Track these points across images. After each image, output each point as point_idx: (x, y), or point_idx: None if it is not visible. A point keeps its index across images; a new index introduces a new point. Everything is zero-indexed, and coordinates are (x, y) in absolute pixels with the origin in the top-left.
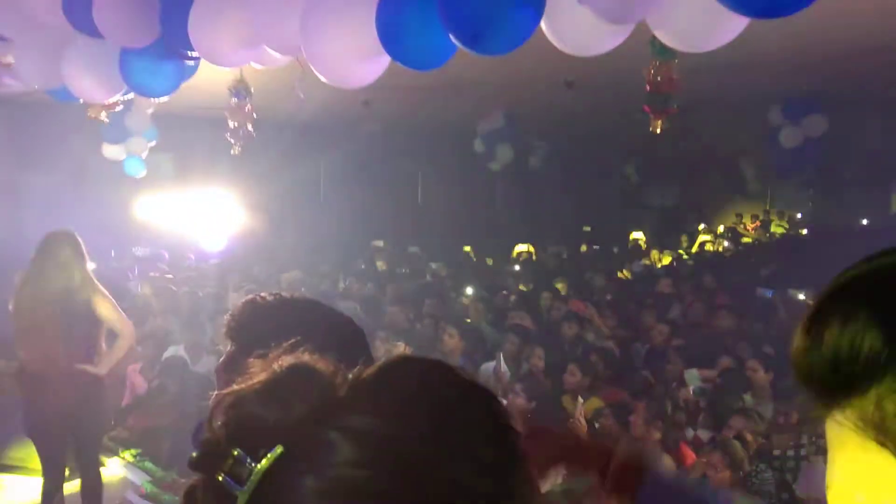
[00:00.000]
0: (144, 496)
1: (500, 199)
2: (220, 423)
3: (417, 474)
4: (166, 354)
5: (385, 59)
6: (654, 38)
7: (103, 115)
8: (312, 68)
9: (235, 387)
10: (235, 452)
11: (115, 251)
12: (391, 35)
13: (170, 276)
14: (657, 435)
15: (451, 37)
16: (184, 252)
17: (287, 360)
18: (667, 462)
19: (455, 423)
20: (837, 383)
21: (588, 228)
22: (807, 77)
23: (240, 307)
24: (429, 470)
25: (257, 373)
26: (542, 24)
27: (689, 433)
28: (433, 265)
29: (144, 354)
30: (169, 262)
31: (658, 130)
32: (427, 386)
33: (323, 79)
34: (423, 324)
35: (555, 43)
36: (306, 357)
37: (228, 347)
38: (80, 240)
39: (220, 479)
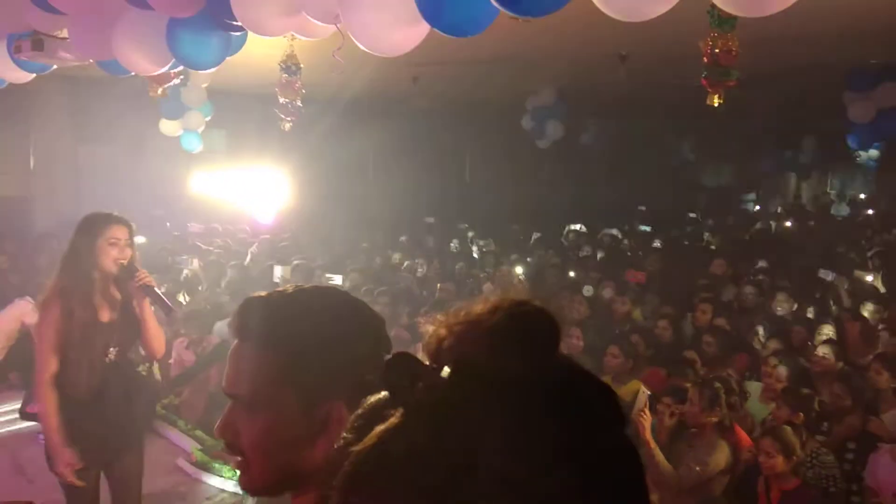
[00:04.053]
0: (195, 463)
1: (549, 178)
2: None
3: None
4: (215, 330)
5: (424, 27)
6: (712, 7)
7: (160, 91)
8: (351, 36)
9: (450, 323)
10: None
11: (171, 223)
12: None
13: (219, 250)
14: (713, 419)
15: None
16: (237, 226)
17: (511, 300)
18: (722, 446)
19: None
20: None
21: (643, 208)
22: (873, 46)
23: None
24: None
25: (472, 310)
26: None
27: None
28: (481, 242)
29: (190, 329)
30: (222, 235)
31: (715, 104)
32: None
33: (362, 46)
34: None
35: (601, 7)
36: (530, 300)
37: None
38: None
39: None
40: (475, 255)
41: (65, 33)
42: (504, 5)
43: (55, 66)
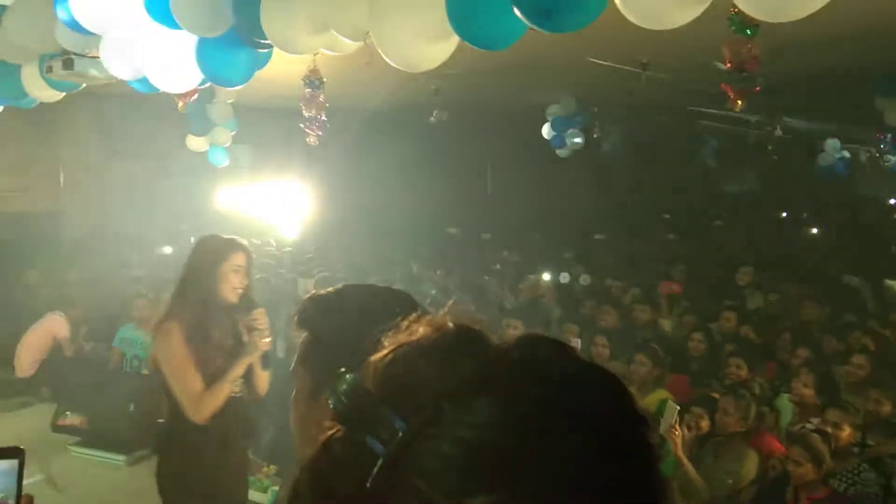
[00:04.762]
0: None
1: (572, 186)
2: (373, 375)
3: (569, 457)
4: None
5: (453, 40)
6: (734, 13)
7: (180, 106)
8: (381, 52)
9: (394, 341)
10: (383, 409)
11: (195, 238)
12: (460, 14)
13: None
14: (742, 427)
15: (520, 14)
16: (262, 240)
17: (452, 320)
18: (751, 455)
19: (604, 410)
20: None
21: (667, 216)
22: None
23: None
24: (579, 455)
25: (416, 330)
26: None
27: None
28: (504, 253)
29: None
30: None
31: (737, 109)
32: (567, 369)
33: (390, 62)
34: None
35: (627, 15)
36: (468, 319)
37: (302, 338)
38: None
39: (367, 438)
40: (497, 266)
41: (95, 52)
42: (534, 22)
43: (84, 85)
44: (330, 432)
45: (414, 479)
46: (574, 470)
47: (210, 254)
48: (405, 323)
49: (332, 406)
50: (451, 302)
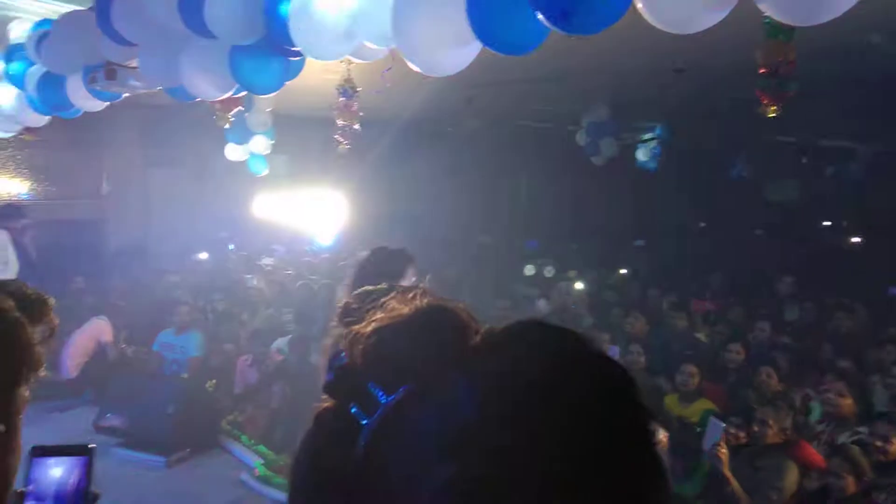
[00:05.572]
0: (258, 478)
1: (607, 194)
2: (358, 351)
3: (533, 432)
4: (273, 346)
5: (476, 46)
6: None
7: (224, 122)
8: (403, 57)
9: (377, 317)
10: (368, 384)
11: (235, 245)
12: (482, 18)
13: (290, 272)
14: (781, 438)
15: (539, 15)
16: (300, 247)
17: (428, 300)
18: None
19: (579, 388)
20: None
21: (703, 224)
22: None
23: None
24: (544, 431)
25: (397, 307)
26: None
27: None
28: (538, 261)
29: (254, 347)
30: (285, 256)
31: (771, 115)
32: (558, 348)
33: (413, 66)
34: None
35: (649, 19)
36: (446, 300)
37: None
38: None
39: (351, 408)
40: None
41: (135, 63)
42: (555, 24)
43: (126, 95)
44: (323, 405)
45: (393, 446)
46: (543, 445)
47: (393, 265)
48: (387, 300)
49: (325, 381)
50: (426, 279)
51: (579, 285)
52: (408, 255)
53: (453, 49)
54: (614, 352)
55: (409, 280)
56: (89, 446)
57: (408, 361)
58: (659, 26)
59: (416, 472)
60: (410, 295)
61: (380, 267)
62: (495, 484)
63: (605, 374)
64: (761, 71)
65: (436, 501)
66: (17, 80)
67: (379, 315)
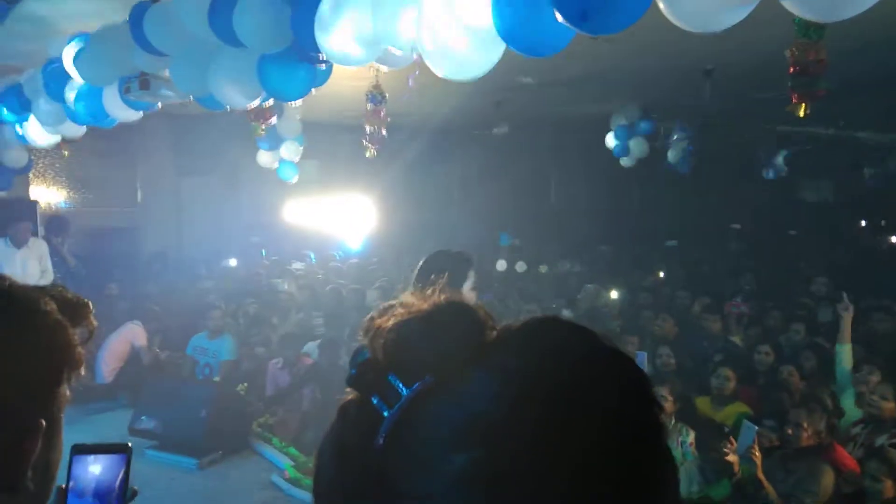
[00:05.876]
0: (288, 480)
1: (638, 197)
2: (379, 346)
3: (548, 425)
4: (304, 350)
5: (499, 48)
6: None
7: (260, 131)
8: (427, 62)
9: (397, 313)
10: (389, 376)
11: (266, 250)
12: (507, 20)
13: (320, 275)
14: (815, 441)
15: (559, 15)
16: (329, 252)
17: (446, 295)
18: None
19: (597, 386)
20: None
21: (738, 226)
22: None
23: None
24: (561, 423)
25: (415, 303)
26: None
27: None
28: (568, 263)
29: (285, 350)
30: (316, 261)
31: (802, 114)
32: (574, 345)
33: (437, 72)
34: None
35: (670, 18)
36: (463, 295)
37: None
38: None
39: (373, 399)
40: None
41: (167, 74)
42: (574, 24)
43: (160, 104)
44: (347, 398)
45: (414, 436)
46: (561, 437)
47: (459, 265)
48: (406, 297)
49: (348, 375)
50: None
51: (613, 293)
52: (467, 258)
53: (477, 52)
54: (642, 357)
55: (469, 282)
56: (128, 445)
57: (427, 355)
58: (682, 26)
59: (435, 461)
60: (429, 291)
61: (440, 270)
62: (512, 473)
63: (618, 368)
64: (791, 70)
65: (453, 489)
66: (55, 93)
67: (399, 311)
